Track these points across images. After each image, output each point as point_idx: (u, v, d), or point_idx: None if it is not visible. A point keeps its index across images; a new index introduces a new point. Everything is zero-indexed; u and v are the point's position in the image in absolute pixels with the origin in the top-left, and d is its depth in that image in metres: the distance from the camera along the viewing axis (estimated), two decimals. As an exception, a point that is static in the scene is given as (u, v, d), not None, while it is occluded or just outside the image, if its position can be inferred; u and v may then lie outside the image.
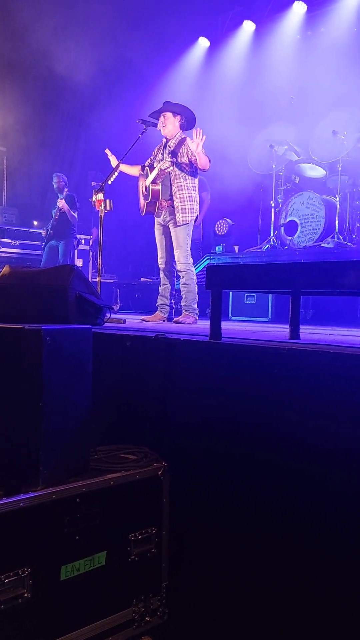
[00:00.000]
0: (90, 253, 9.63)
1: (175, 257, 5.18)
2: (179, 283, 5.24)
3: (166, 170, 5.09)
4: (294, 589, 2.19)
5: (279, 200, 7.94)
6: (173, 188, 5.13)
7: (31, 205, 10.48)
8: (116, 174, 5.33)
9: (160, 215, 5.27)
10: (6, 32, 9.00)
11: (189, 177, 5.16)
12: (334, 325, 5.55)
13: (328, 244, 7.01)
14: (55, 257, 8.38)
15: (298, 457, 2.21)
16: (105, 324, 3.86)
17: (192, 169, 5.15)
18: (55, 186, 8.54)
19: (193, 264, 5.23)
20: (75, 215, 8.41)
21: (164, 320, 5.27)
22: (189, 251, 5.16)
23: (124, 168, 5.45)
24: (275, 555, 2.27)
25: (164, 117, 5.22)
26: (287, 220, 7.72)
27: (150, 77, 9.70)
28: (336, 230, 7.05)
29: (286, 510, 2.24)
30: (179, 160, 5.11)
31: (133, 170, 5.49)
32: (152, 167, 5.28)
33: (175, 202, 5.11)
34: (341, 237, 7.00)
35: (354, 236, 7.05)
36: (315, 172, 7.88)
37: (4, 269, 3.71)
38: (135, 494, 2.47)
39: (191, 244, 5.23)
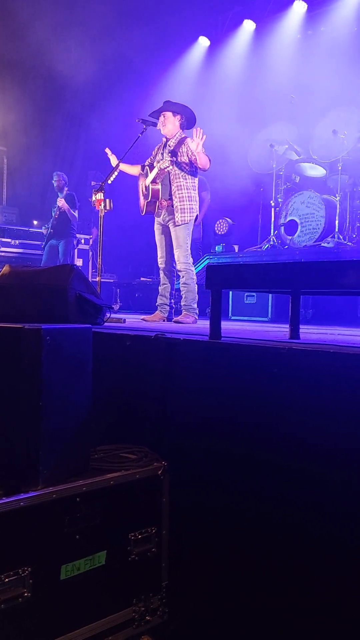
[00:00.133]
0: (90, 252, 9.63)
1: (175, 257, 5.18)
2: (179, 283, 5.24)
3: (166, 170, 5.09)
4: (294, 589, 2.19)
5: (279, 199, 7.93)
6: (173, 187, 5.13)
7: (31, 204, 10.48)
8: (116, 173, 5.33)
9: (160, 215, 5.27)
10: (6, 32, 8.99)
11: (189, 176, 5.16)
12: (334, 324, 5.55)
13: (328, 243, 7.01)
14: (55, 256, 8.38)
15: (298, 457, 2.21)
16: (105, 324, 3.86)
17: (192, 169, 5.15)
18: (55, 185, 8.54)
19: (193, 264, 5.23)
20: (75, 214, 8.41)
21: (163, 320, 5.27)
22: (189, 251, 5.16)
23: (124, 167, 5.45)
24: (275, 555, 2.27)
25: (164, 116, 5.21)
26: (287, 219, 7.72)
27: (150, 77, 9.70)
28: (336, 229, 7.05)
29: (286, 510, 2.24)
30: (179, 160, 5.10)
31: (133, 170, 5.49)
32: (152, 167, 5.28)
33: (174, 202, 5.11)
34: (341, 237, 7.00)
35: (354, 236, 7.04)
36: (315, 171, 7.87)
37: (4, 268, 3.70)
38: (135, 494, 2.47)
39: (191, 244, 5.23)
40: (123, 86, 9.76)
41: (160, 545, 2.56)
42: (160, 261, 5.36)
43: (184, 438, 2.69)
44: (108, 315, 3.90)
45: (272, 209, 8.00)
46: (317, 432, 2.17)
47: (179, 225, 5.09)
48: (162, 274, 5.38)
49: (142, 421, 2.90)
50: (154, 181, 5.17)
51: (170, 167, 5.07)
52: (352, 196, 7.25)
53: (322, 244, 7.10)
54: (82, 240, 9.35)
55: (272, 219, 7.99)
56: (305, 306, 6.62)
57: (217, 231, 8.79)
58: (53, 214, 8.45)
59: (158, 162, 5.19)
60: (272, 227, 7.98)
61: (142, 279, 9.57)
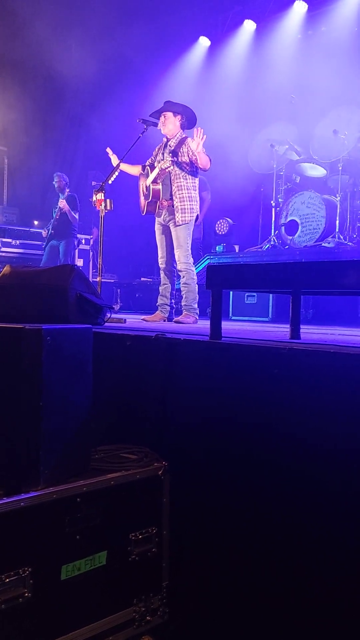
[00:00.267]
0: (91, 253, 9.64)
1: (176, 257, 5.18)
2: (180, 283, 5.24)
3: (167, 170, 5.09)
4: (293, 589, 2.19)
5: (279, 199, 7.93)
6: (173, 188, 5.13)
7: (32, 205, 10.48)
8: (116, 173, 5.33)
9: (160, 215, 5.27)
10: (7, 31, 9.00)
11: (190, 176, 5.16)
12: (334, 325, 5.55)
13: (329, 243, 7.01)
14: (56, 256, 8.38)
15: (298, 457, 2.21)
16: (106, 324, 3.86)
17: (192, 169, 5.15)
18: (56, 186, 8.54)
19: (193, 264, 5.23)
20: (76, 216, 8.41)
21: (164, 320, 5.27)
22: (190, 251, 5.16)
23: (125, 167, 5.46)
24: (275, 555, 2.27)
25: (165, 116, 5.22)
26: (288, 219, 7.72)
27: (150, 77, 9.70)
28: (337, 229, 7.05)
29: (286, 511, 2.24)
30: (180, 160, 5.11)
31: (133, 170, 5.49)
32: (152, 167, 5.28)
33: (175, 202, 5.11)
34: (342, 237, 7.00)
35: (354, 236, 7.04)
36: (315, 171, 7.87)
37: (5, 268, 3.71)
38: (135, 494, 2.47)
39: (191, 244, 5.23)
40: (123, 86, 9.76)
41: (160, 546, 2.56)
42: (161, 261, 5.36)
43: (184, 438, 2.69)
44: (108, 315, 3.90)
45: (273, 209, 8.00)
46: (318, 432, 2.17)
47: (180, 225, 5.09)
48: (162, 274, 5.38)
49: (142, 421, 2.90)
50: (154, 181, 5.17)
51: (171, 167, 5.07)
52: (352, 196, 7.24)
53: (323, 244, 7.10)
54: (83, 241, 9.36)
55: (273, 219, 7.99)
56: (305, 306, 6.62)
57: (217, 231, 8.80)
58: (54, 215, 8.45)
59: (159, 162, 5.19)
60: (272, 227, 7.98)
61: (142, 279, 9.57)
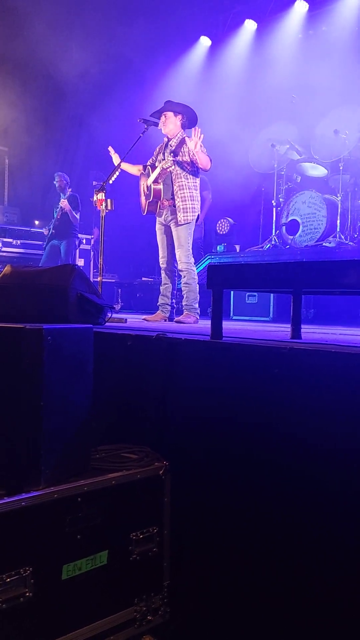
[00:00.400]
0: (92, 253, 9.64)
1: (177, 257, 5.19)
2: (180, 282, 5.24)
3: (168, 170, 5.09)
4: (294, 589, 2.19)
5: (280, 199, 7.93)
6: (174, 187, 5.13)
7: (33, 204, 10.49)
8: (117, 173, 5.33)
9: (161, 215, 5.27)
10: (7, 31, 9.00)
11: (191, 176, 5.16)
12: (335, 324, 5.54)
13: (330, 243, 7.00)
14: (57, 256, 8.39)
15: (298, 457, 2.21)
16: (107, 324, 3.86)
17: (193, 168, 5.15)
18: (56, 185, 8.54)
19: (194, 264, 5.23)
20: (77, 215, 8.41)
21: (165, 320, 5.27)
22: (190, 250, 5.16)
23: (126, 167, 5.46)
24: (275, 555, 2.27)
25: (165, 116, 5.22)
26: (289, 219, 7.72)
27: (151, 77, 9.70)
28: (338, 229, 7.05)
29: (286, 510, 2.24)
30: (181, 160, 5.11)
31: (134, 170, 5.50)
32: (153, 167, 5.28)
33: (176, 202, 5.11)
34: (343, 237, 7.00)
35: (355, 235, 7.04)
36: (316, 171, 7.87)
37: (6, 268, 3.71)
38: (136, 494, 2.47)
39: (192, 243, 5.23)
40: (124, 86, 9.76)
41: (161, 545, 2.56)
42: (162, 261, 5.36)
43: (184, 438, 2.69)
44: (109, 315, 3.90)
45: (274, 209, 8.00)
46: (318, 432, 2.17)
47: (181, 225, 5.09)
48: (163, 274, 5.39)
49: (142, 421, 2.91)
50: (155, 181, 5.17)
51: (172, 167, 5.07)
52: (353, 196, 7.24)
53: (324, 244, 7.09)
54: (84, 241, 9.36)
55: (274, 219, 7.99)
56: (306, 306, 6.62)
57: (218, 231, 8.80)
58: (55, 215, 8.45)
59: (159, 162, 5.19)
60: (273, 227, 7.98)
61: (143, 278, 9.57)
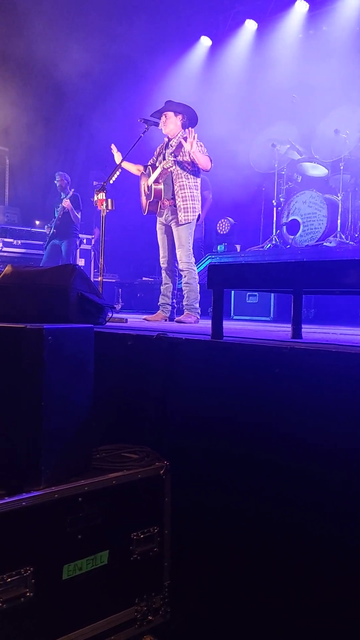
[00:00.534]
0: (92, 252, 9.64)
1: (178, 256, 5.19)
2: (181, 282, 5.24)
3: (168, 170, 5.09)
4: (294, 589, 2.19)
5: (281, 199, 7.93)
6: (175, 187, 5.13)
7: (33, 204, 10.49)
8: (118, 172, 5.33)
9: (162, 215, 5.27)
10: (8, 31, 9.00)
11: (191, 176, 5.16)
12: (336, 324, 5.54)
13: (330, 243, 7.00)
14: (58, 256, 8.39)
15: (298, 456, 2.21)
16: (107, 324, 3.86)
17: (194, 168, 5.16)
18: (57, 185, 8.55)
19: (195, 263, 5.23)
20: (78, 215, 8.42)
21: (165, 320, 5.27)
22: (191, 250, 5.16)
23: (127, 165, 5.46)
24: (275, 555, 2.27)
25: (166, 116, 5.22)
26: (289, 219, 7.72)
27: (152, 77, 9.70)
28: (338, 229, 7.05)
29: (286, 510, 2.24)
30: (181, 160, 5.11)
31: (135, 169, 5.50)
32: (154, 167, 5.29)
33: (177, 201, 5.11)
34: (343, 236, 7.00)
35: (356, 235, 7.04)
36: (317, 171, 7.87)
37: (6, 268, 3.70)
38: (137, 493, 2.47)
39: (193, 243, 5.23)
40: (125, 86, 9.76)
41: (162, 545, 2.56)
42: (163, 261, 5.36)
43: (184, 438, 2.69)
44: (110, 315, 3.90)
45: (274, 209, 8.00)
46: (318, 432, 2.17)
47: (182, 224, 5.10)
48: (164, 274, 5.39)
49: (143, 421, 2.91)
50: (156, 181, 5.18)
51: (173, 167, 5.07)
52: (354, 196, 7.24)
53: (324, 244, 7.09)
54: (84, 240, 9.36)
55: (274, 219, 7.99)
56: (307, 306, 6.62)
57: (219, 231, 8.80)
58: (56, 214, 8.45)
59: (160, 162, 5.19)
60: (274, 227, 7.98)
61: (144, 278, 9.57)
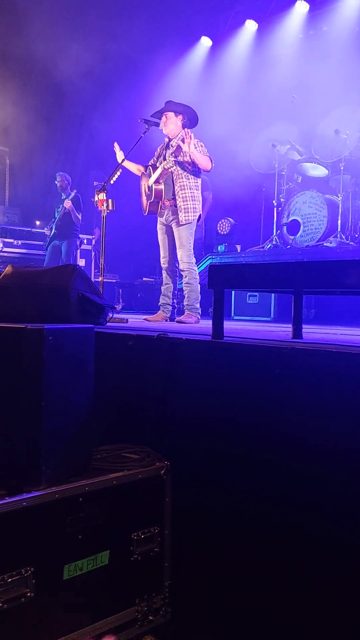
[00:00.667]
0: (93, 253, 9.64)
1: (178, 257, 5.19)
2: (182, 282, 5.24)
3: (169, 170, 5.09)
4: (294, 589, 2.19)
5: (281, 199, 7.93)
6: (176, 187, 5.13)
7: (33, 205, 10.49)
8: (119, 172, 5.33)
9: (162, 215, 5.27)
10: (8, 31, 9.01)
11: (192, 176, 5.16)
12: (336, 324, 5.54)
13: (330, 243, 7.00)
14: (58, 256, 8.40)
15: (298, 456, 2.21)
16: (108, 324, 3.86)
17: (194, 169, 5.16)
18: (58, 185, 8.55)
19: (196, 264, 5.24)
20: (79, 216, 8.42)
21: (166, 320, 5.27)
22: (192, 250, 5.16)
23: (128, 165, 5.46)
24: (275, 555, 2.27)
25: (166, 116, 5.23)
26: (290, 219, 7.72)
27: (152, 77, 9.70)
28: (339, 229, 7.05)
29: (286, 510, 2.24)
30: (182, 160, 5.11)
31: (135, 168, 5.50)
32: (154, 167, 5.29)
33: (177, 202, 5.11)
34: (343, 237, 7.00)
35: (356, 235, 7.04)
36: (317, 171, 7.87)
37: (7, 268, 3.71)
38: (137, 494, 2.47)
39: (193, 243, 5.24)
40: (125, 86, 9.77)
41: (162, 545, 2.56)
42: (163, 261, 5.36)
43: (184, 438, 2.69)
44: (110, 315, 3.90)
45: (275, 209, 8.00)
46: (319, 432, 2.17)
47: (182, 225, 5.10)
48: (164, 274, 5.39)
49: (143, 421, 2.91)
50: (157, 181, 5.18)
51: (174, 167, 5.07)
52: (354, 196, 7.24)
53: (325, 244, 7.09)
54: (85, 241, 9.36)
55: (275, 219, 7.99)
56: (307, 306, 6.62)
57: (219, 231, 8.80)
58: (57, 215, 8.45)
59: (160, 162, 5.19)
60: (274, 227, 7.98)
61: (144, 279, 9.57)
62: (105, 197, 5.19)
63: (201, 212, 5.31)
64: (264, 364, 2.39)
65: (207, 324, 3.50)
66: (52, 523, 2.15)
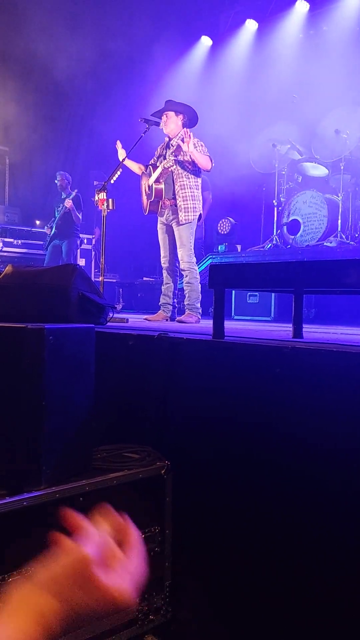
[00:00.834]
0: (93, 252, 9.64)
1: (179, 256, 5.19)
2: (182, 282, 5.24)
3: (169, 169, 5.09)
4: (294, 589, 2.19)
5: (281, 199, 7.93)
6: (176, 187, 5.13)
7: (33, 204, 10.50)
8: (119, 172, 5.33)
9: (163, 214, 5.27)
10: (8, 31, 9.01)
11: (192, 176, 5.16)
12: (337, 324, 5.54)
13: (331, 243, 7.00)
14: (59, 256, 8.40)
15: (299, 456, 2.21)
16: (108, 324, 3.86)
17: (194, 168, 5.16)
18: (58, 185, 8.55)
19: (196, 263, 5.24)
20: (80, 216, 8.42)
21: (166, 320, 5.28)
22: (192, 250, 5.16)
23: (129, 163, 5.47)
24: (275, 555, 2.27)
25: (167, 116, 5.23)
26: (290, 219, 7.72)
27: (152, 76, 9.71)
28: (339, 229, 7.05)
29: (286, 510, 2.24)
30: (182, 159, 5.11)
31: (136, 167, 5.50)
32: (154, 167, 5.29)
33: (178, 201, 5.12)
34: (344, 236, 7.00)
35: (356, 235, 7.04)
36: (317, 171, 7.87)
37: (7, 268, 3.71)
38: (138, 493, 2.47)
39: (194, 243, 5.24)
40: (125, 85, 9.78)
41: (163, 545, 2.56)
42: (164, 260, 5.36)
43: (185, 438, 2.69)
44: (111, 315, 3.90)
45: (275, 209, 8.00)
46: (319, 431, 2.17)
47: (183, 224, 5.10)
48: (165, 274, 5.39)
49: (144, 421, 2.91)
50: (157, 180, 5.18)
51: (174, 166, 5.07)
52: (354, 196, 7.24)
53: (325, 244, 7.09)
54: (85, 240, 9.37)
55: (275, 219, 7.99)
56: (308, 306, 6.62)
57: (219, 231, 8.80)
58: (57, 214, 8.45)
59: (161, 162, 5.19)
60: (274, 227, 7.98)
61: (144, 278, 9.58)
62: (105, 197, 5.19)
63: (201, 212, 5.31)
64: (264, 363, 2.39)
65: (207, 324, 3.50)
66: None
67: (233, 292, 7.03)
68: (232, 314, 7.17)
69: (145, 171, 5.41)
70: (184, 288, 5.20)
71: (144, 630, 2.45)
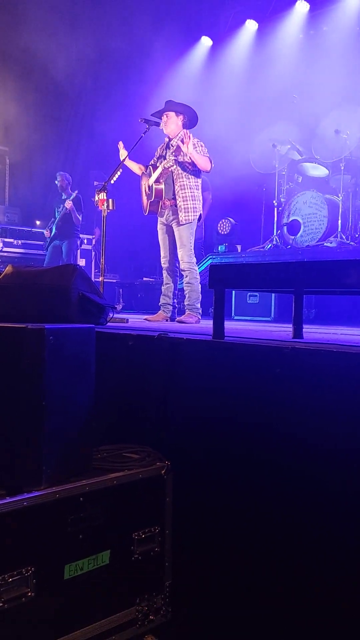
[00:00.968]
0: (93, 253, 9.64)
1: (179, 256, 5.19)
2: (182, 282, 5.24)
3: (169, 169, 5.09)
4: (294, 589, 2.19)
5: (281, 199, 7.94)
6: (176, 187, 5.13)
7: (33, 204, 10.49)
8: (119, 172, 5.33)
9: (163, 215, 5.27)
10: (8, 31, 9.01)
11: (192, 176, 5.17)
12: (337, 324, 5.54)
13: (331, 243, 7.01)
14: (59, 256, 8.40)
15: (299, 457, 2.21)
16: (108, 324, 3.86)
17: (195, 168, 5.16)
18: (58, 185, 8.55)
19: (196, 263, 5.24)
20: (80, 217, 8.42)
21: (166, 320, 5.28)
22: (192, 250, 5.16)
23: (130, 164, 5.47)
24: (275, 555, 2.27)
25: (167, 116, 5.23)
26: (290, 219, 7.72)
27: (152, 76, 9.70)
28: (339, 229, 7.05)
29: (286, 510, 2.24)
30: (182, 160, 5.11)
31: (136, 168, 5.50)
32: (154, 167, 5.29)
33: (178, 201, 5.12)
34: (344, 237, 7.00)
35: (357, 235, 7.04)
36: (317, 171, 7.87)
37: (7, 268, 3.70)
38: (138, 493, 2.47)
39: (194, 243, 5.24)
40: (125, 86, 9.77)
41: (163, 545, 2.56)
42: (164, 261, 5.36)
43: (185, 438, 2.69)
44: (111, 315, 3.89)
45: (275, 209, 8.00)
46: (319, 432, 2.17)
47: (183, 224, 5.10)
48: (165, 274, 5.39)
49: (144, 421, 2.91)
50: (157, 181, 5.18)
51: (174, 166, 5.08)
52: (354, 196, 7.24)
53: (325, 244, 7.10)
54: (85, 241, 9.36)
55: (275, 219, 7.99)
56: (308, 306, 6.62)
57: (219, 231, 8.80)
58: (57, 215, 8.45)
59: (161, 162, 5.19)
60: (274, 227, 7.98)
61: (144, 278, 9.57)
62: (105, 197, 5.18)
63: (201, 212, 5.31)
64: (264, 363, 2.39)
65: (207, 324, 3.51)
66: (53, 523, 2.15)
67: (233, 292, 7.03)
68: (232, 314, 7.17)
69: (145, 171, 5.41)
70: (184, 288, 5.20)
71: (144, 630, 2.45)
